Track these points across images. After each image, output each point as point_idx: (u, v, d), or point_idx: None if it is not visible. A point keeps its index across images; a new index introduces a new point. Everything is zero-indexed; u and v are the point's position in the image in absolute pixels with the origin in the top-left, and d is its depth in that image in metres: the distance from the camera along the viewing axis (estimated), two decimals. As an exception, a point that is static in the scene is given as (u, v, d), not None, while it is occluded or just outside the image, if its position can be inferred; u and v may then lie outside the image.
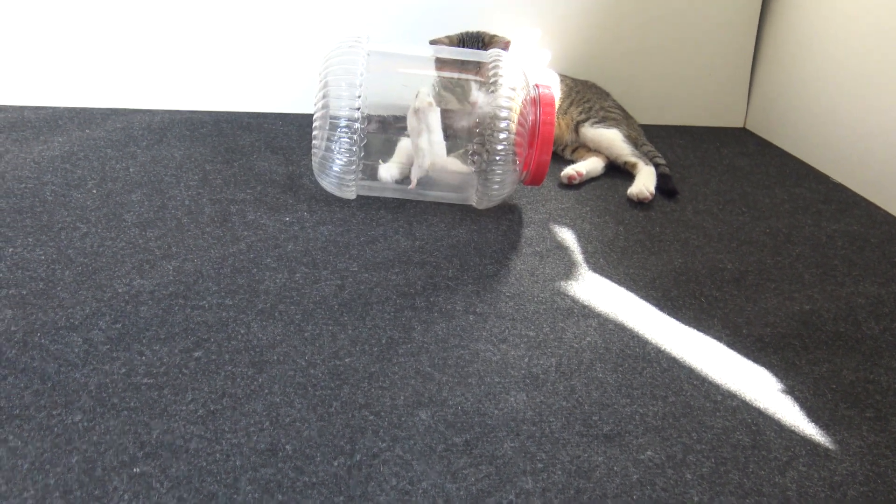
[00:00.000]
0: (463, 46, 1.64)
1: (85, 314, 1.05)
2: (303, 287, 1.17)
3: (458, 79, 1.48)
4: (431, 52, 1.51)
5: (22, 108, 1.82)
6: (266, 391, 0.94)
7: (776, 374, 1.06)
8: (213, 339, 1.02)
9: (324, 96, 1.37)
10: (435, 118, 1.40)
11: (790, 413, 0.99)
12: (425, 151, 1.41)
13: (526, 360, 1.05)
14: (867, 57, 1.74)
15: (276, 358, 1.00)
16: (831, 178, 1.84)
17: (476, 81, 1.45)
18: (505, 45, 1.63)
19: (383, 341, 1.06)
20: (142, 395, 0.91)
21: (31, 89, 1.87)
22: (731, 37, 2.15)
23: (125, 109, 1.89)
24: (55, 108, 1.85)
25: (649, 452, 0.90)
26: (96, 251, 1.22)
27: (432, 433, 0.89)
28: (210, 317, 1.07)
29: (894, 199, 1.65)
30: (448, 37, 1.67)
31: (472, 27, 1.71)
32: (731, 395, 1.01)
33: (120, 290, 1.11)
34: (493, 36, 1.66)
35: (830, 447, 0.93)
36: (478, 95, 1.43)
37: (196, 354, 0.99)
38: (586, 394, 0.99)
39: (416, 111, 1.38)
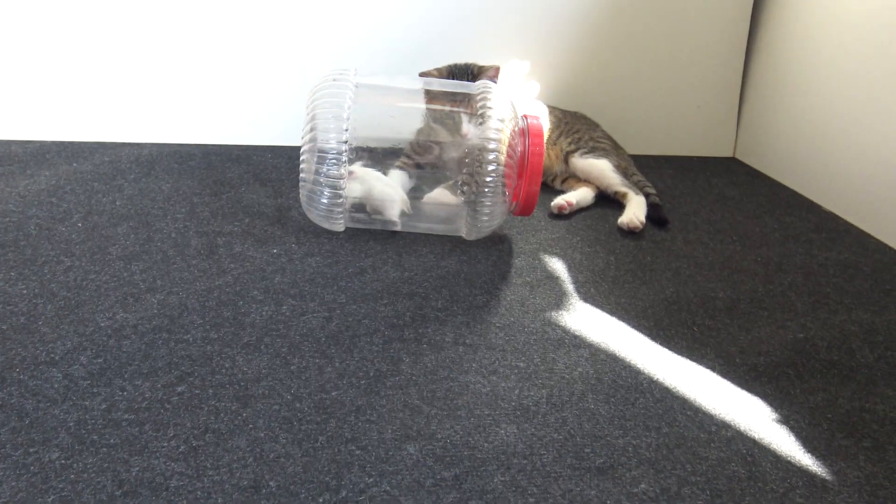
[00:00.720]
0: (452, 79, 1.64)
1: (66, 349, 1.03)
2: (290, 319, 1.15)
3: (448, 111, 1.48)
4: (420, 84, 1.51)
5: (9, 143, 1.81)
6: (250, 426, 0.91)
7: (771, 404, 1.05)
8: (196, 374, 1.00)
9: (311, 129, 1.37)
10: (368, 172, 1.43)
11: (786, 443, 0.97)
12: (390, 198, 1.43)
13: (516, 391, 1.03)
14: (856, 86, 1.76)
15: (261, 392, 0.98)
16: (822, 206, 1.84)
17: (465, 113, 1.45)
18: (495, 72, 1.63)
19: (371, 374, 1.03)
20: (122, 431, 0.89)
21: (18, 123, 1.86)
22: (719, 67, 2.17)
23: (113, 143, 1.88)
24: (42, 141, 1.84)
25: (643, 485, 0.87)
26: (80, 285, 1.20)
27: (420, 468, 0.87)
28: (194, 350, 1.05)
29: (885, 227, 1.65)
30: (437, 69, 1.67)
31: (461, 60, 1.71)
32: (726, 426, 0.99)
33: (102, 325, 1.09)
34: (482, 67, 1.67)
35: (828, 478, 0.91)
36: (468, 128, 1.43)
37: (179, 389, 0.97)
38: (578, 426, 0.97)
39: (352, 181, 1.41)
